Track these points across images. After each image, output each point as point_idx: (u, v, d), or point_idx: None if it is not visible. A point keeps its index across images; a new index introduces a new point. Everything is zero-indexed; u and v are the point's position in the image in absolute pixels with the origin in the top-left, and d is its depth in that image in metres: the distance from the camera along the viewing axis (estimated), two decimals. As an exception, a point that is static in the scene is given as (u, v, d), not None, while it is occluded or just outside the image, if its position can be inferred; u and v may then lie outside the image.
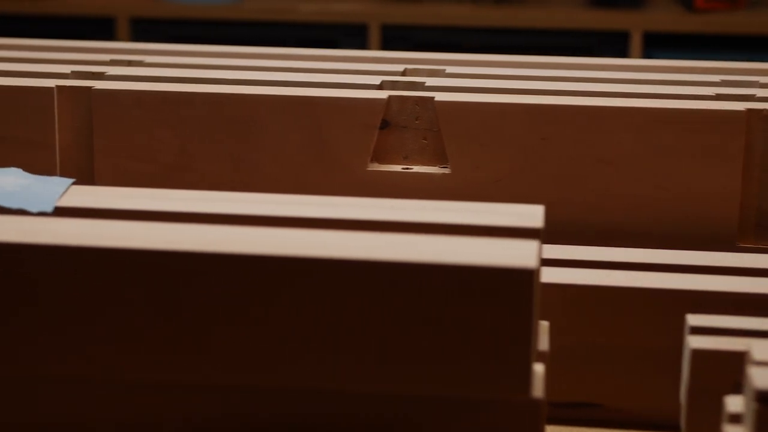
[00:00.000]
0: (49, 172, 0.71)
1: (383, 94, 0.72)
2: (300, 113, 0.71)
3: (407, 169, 0.71)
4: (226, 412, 0.50)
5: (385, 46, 2.27)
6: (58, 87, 0.73)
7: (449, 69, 0.80)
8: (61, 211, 0.54)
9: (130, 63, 0.81)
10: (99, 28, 2.33)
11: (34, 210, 0.54)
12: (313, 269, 0.47)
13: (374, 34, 2.28)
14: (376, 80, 0.75)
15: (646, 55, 2.20)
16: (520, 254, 0.47)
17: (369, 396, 0.49)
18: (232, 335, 0.48)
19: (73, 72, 0.76)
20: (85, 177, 0.72)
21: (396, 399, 0.49)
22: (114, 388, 0.51)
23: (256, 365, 0.49)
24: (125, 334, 0.49)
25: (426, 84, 0.74)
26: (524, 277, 0.46)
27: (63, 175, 0.72)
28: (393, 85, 0.75)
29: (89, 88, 0.72)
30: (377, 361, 0.48)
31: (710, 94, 0.73)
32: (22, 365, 0.50)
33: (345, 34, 2.31)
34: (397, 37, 2.28)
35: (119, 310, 0.49)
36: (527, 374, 0.47)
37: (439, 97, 0.71)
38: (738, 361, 0.52)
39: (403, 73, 0.79)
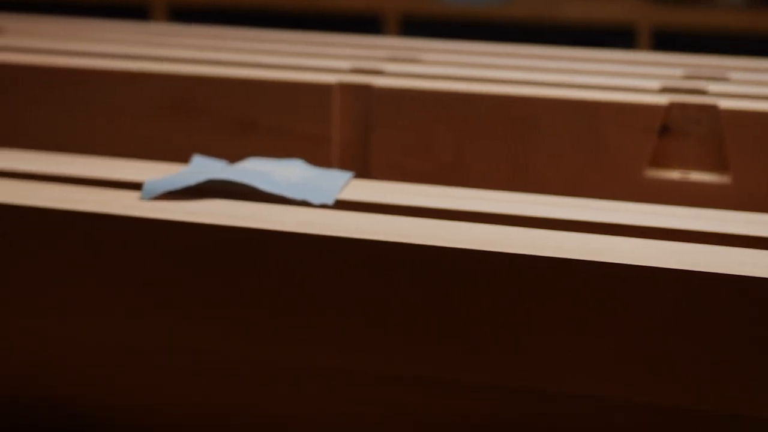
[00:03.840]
0: (326, 165, 0.72)
1: (664, 99, 0.70)
2: (580, 115, 0.70)
3: (685, 176, 0.69)
4: (493, 412, 0.50)
5: (653, 49, 2.23)
6: (339, 84, 0.74)
7: (732, 74, 0.77)
8: (341, 204, 0.55)
9: (408, 60, 0.82)
10: (367, 24, 2.37)
11: (317, 202, 0.55)
12: (598, 274, 0.47)
13: (643, 37, 2.24)
14: (656, 84, 0.73)
15: None
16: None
17: (656, 409, 0.48)
18: (504, 335, 0.48)
19: (353, 68, 0.78)
20: (362, 171, 0.73)
21: (690, 415, 0.48)
22: (377, 381, 0.51)
23: (534, 368, 0.48)
24: (396, 328, 0.49)
25: (709, 90, 0.72)
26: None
27: (341, 168, 0.73)
28: (674, 90, 0.73)
29: (369, 86, 0.73)
30: (668, 373, 0.47)
31: None
32: (298, 356, 0.51)
33: (610, 37, 2.27)
34: (665, 41, 2.24)
35: (392, 305, 0.49)
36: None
37: (724, 103, 0.69)
38: None
39: (684, 78, 0.77)
